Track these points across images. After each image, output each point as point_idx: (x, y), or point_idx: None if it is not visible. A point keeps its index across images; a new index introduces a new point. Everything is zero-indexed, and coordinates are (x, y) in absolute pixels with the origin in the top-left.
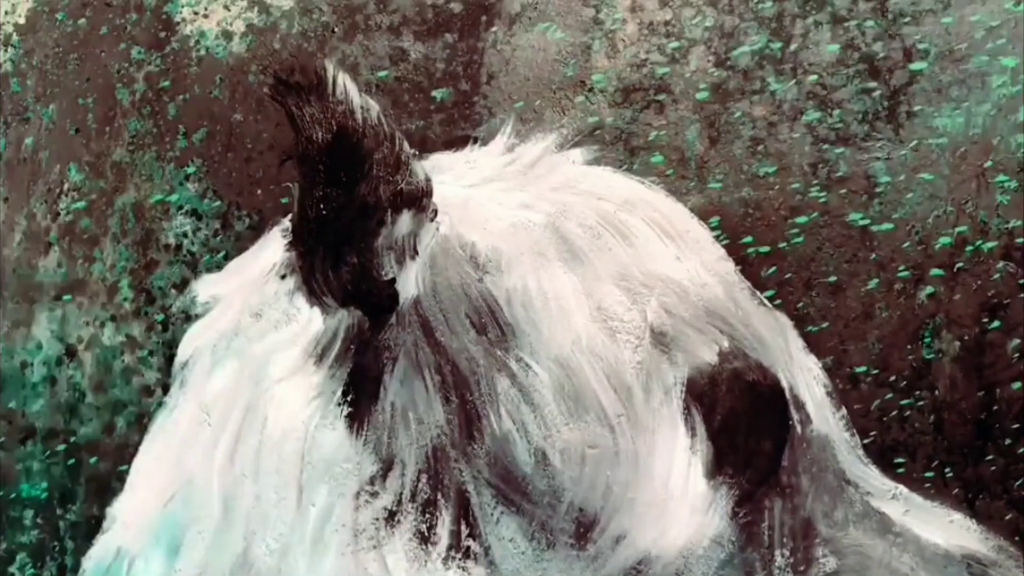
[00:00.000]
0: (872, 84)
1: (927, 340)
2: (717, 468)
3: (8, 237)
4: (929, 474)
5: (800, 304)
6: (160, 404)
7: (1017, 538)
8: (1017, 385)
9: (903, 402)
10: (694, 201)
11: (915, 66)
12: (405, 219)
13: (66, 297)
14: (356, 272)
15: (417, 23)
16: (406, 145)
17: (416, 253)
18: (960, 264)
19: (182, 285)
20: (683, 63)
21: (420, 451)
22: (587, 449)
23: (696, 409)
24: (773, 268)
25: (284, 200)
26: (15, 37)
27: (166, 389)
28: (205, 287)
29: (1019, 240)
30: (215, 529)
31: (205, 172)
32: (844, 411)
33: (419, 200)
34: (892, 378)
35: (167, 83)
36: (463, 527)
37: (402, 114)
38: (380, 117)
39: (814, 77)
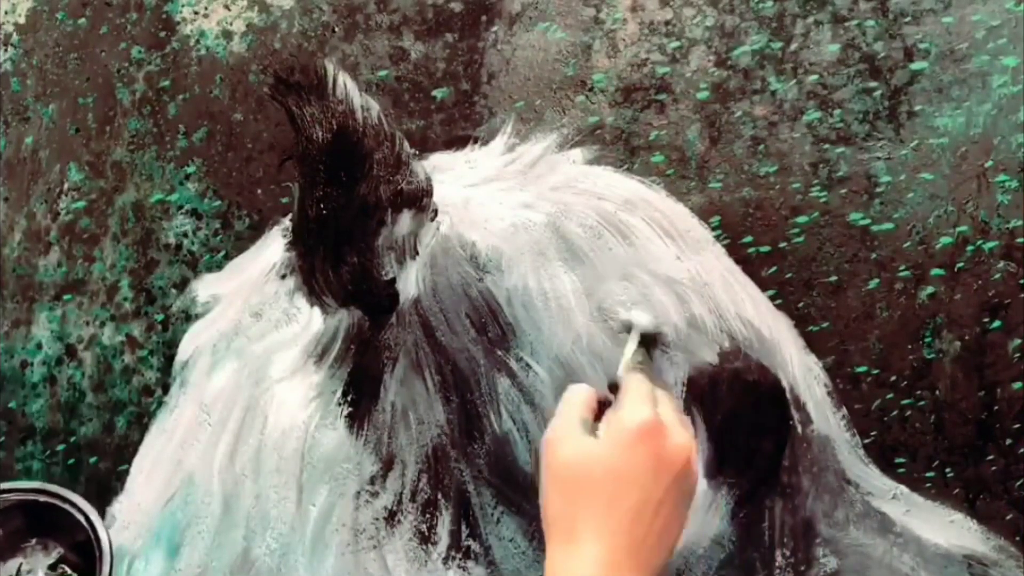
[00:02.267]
0: (873, 84)
1: (928, 340)
2: (718, 468)
3: (8, 237)
4: (930, 474)
5: (800, 304)
6: (160, 404)
7: (1017, 538)
8: (1018, 385)
9: (904, 402)
10: (695, 201)
11: (916, 66)
12: (405, 219)
13: (66, 297)
14: (356, 272)
15: (417, 23)
16: (406, 145)
17: (416, 253)
18: (961, 264)
19: (182, 285)
20: (684, 63)
21: (420, 451)
22: None
23: (697, 409)
24: (774, 268)
25: (284, 200)
26: (15, 37)
27: (166, 389)
28: (205, 287)
29: (1020, 240)
30: (215, 529)
31: (205, 172)
32: (844, 411)
33: (419, 200)
34: (893, 378)
35: (167, 83)
36: (463, 527)
37: (402, 114)
38: (380, 117)
39: (815, 77)
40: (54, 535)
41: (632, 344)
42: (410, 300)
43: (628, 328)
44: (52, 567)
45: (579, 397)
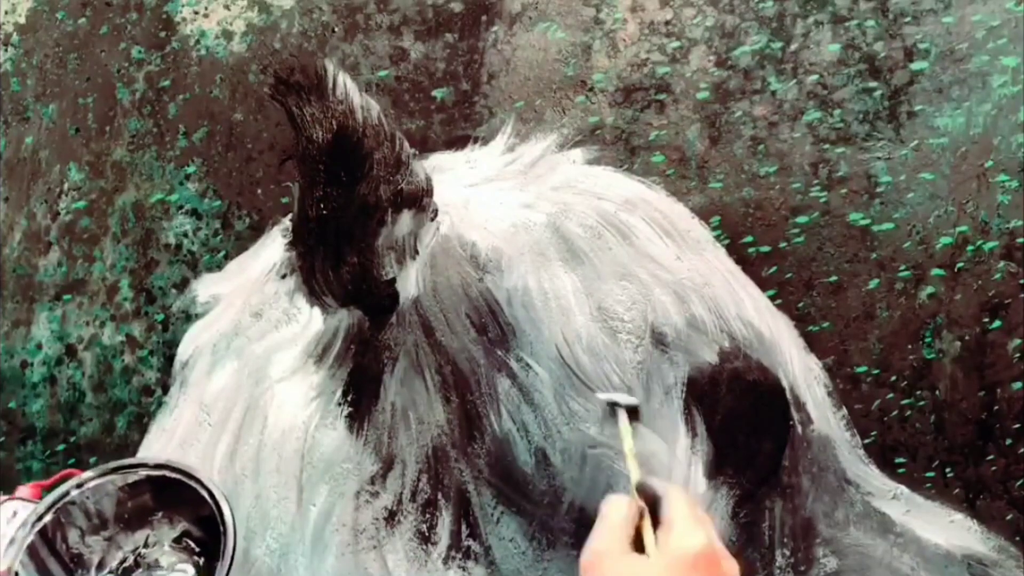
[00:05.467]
0: (873, 84)
1: (928, 340)
2: (718, 468)
3: (8, 237)
4: (930, 474)
5: (801, 304)
6: (160, 404)
7: (1017, 538)
8: (1017, 385)
9: (904, 402)
10: (695, 201)
11: (916, 66)
12: (405, 219)
13: (66, 297)
14: (356, 272)
15: (417, 23)
16: (406, 145)
17: (416, 253)
18: (961, 264)
19: (182, 285)
20: (684, 63)
21: (420, 451)
22: (587, 449)
23: (697, 409)
24: (774, 268)
25: (284, 200)
26: (15, 37)
27: (166, 389)
28: (205, 287)
29: (1020, 240)
30: None
31: (205, 172)
32: (845, 411)
33: (419, 200)
34: (893, 378)
35: (167, 83)
36: (463, 527)
37: (402, 114)
38: (380, 117)
39: (815, 77)
40: (179, 509)
41: (625, 426)
42: (410, 300)
43: (613, 410)
44: (176, 540)
45: (620, 513)
